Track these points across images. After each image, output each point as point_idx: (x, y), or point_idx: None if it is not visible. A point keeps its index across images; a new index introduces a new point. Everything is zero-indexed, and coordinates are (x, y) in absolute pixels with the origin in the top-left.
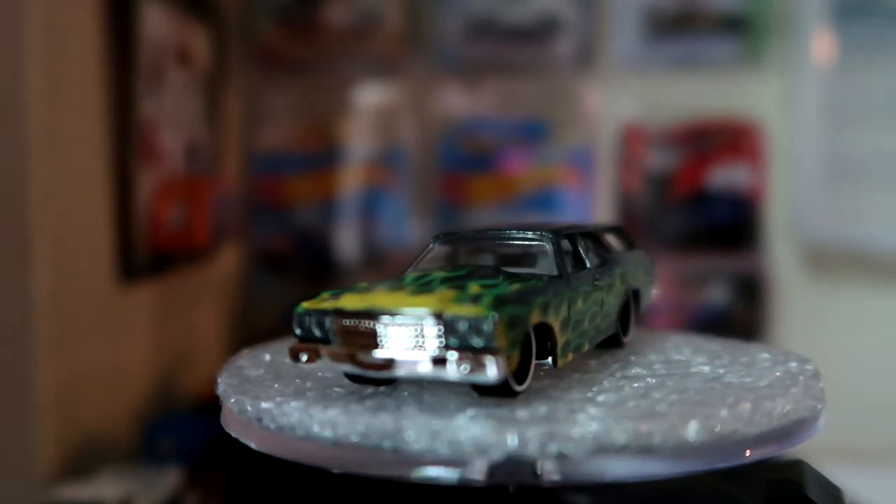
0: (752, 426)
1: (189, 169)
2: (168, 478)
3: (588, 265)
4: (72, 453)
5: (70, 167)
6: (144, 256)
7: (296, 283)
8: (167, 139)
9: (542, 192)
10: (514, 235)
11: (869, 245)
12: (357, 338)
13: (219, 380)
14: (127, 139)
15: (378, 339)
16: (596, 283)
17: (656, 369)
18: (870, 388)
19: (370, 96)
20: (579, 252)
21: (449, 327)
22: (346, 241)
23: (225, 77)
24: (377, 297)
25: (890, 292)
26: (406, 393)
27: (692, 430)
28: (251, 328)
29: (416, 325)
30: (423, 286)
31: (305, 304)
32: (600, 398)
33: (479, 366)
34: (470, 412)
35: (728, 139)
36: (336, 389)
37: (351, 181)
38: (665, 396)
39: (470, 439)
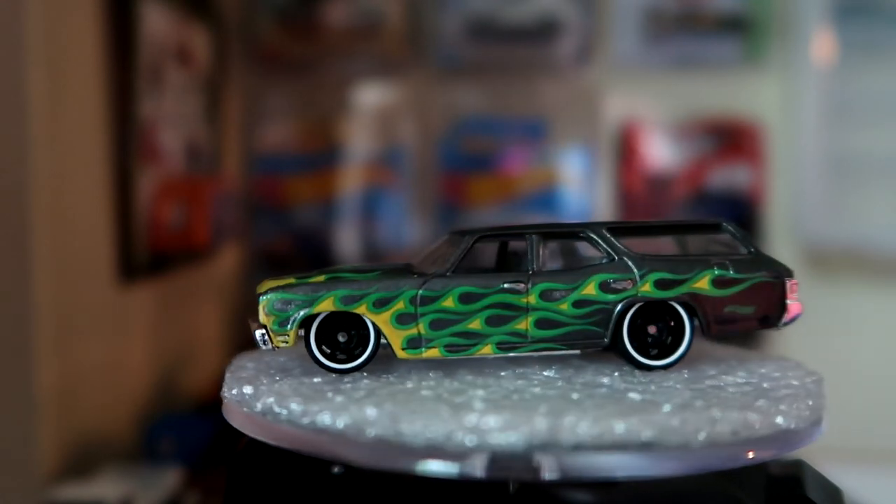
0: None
1: (189, 169)
2: (168, 478)
3: (533, 267)
4: (72, 453)
5: (70, 167)
6: (144, 256)
7: None
8: (167, 139)
9: (542, 192)
10: (455, 235)
11: (869, 245)
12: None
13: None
14: (127, 139)
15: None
16: (506, 285)
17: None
18: (870, 388)
19: (370, 96)
20: (535, 252)
21: None
22: (346, 241)
23: (225, 77)
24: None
25: (890, 292)
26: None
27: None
28: (251, 328)
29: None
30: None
31: None
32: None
33: (253, 337)
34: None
35: (728, 139)
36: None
37: (351, 181)
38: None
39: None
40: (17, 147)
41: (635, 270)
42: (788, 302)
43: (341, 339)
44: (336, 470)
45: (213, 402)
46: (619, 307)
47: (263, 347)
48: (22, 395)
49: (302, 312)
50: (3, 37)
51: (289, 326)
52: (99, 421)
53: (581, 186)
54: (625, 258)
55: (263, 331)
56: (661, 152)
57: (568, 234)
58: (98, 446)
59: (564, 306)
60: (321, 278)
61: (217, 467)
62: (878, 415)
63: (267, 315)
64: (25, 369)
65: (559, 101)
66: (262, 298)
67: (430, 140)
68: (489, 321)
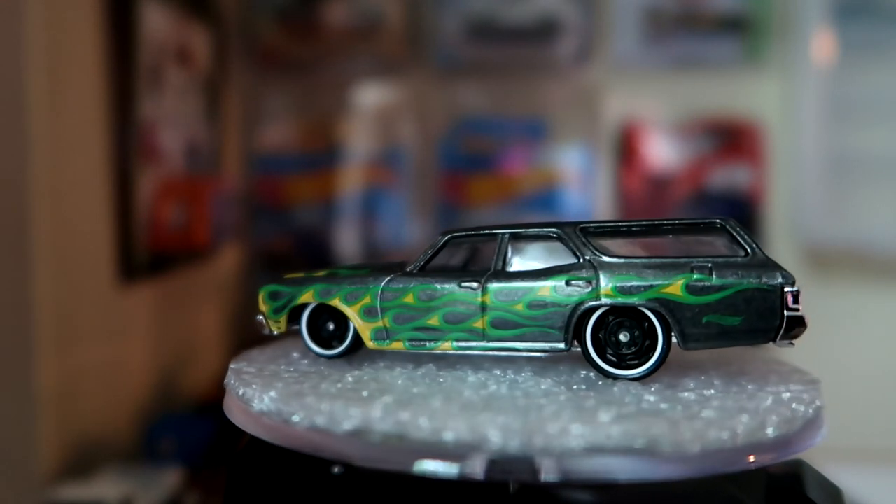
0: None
1: (189, 169)
2: (168, 478)
3: (498, 266)
4: (72, 453)
5: (70, 167)
6: (144, 256)
7: None
8: (167, 139)
9: (542, 192)
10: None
11: (869, 245)
12: None
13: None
14: (127, 139)
15: None
16: (462, 284)
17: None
18: (870, 388)
19: (370, 96)
20: (501, 252)
21: None
22: (347, 241)
23: (225, 77)
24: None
25: (890, 292)
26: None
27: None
28: (251, 328)
29: None
30: None
31: None
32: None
33: (256, 321)
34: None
35: (728, 139)
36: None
37: (351, 181)
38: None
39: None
40: (17, 147)
41: (596, 273)
42: (787, 314)
43: (331, 327)
44: (336, 470)
45: (213, 402)
46: (578, 311)
47: (264, 332)
48: (22, 395)
49: (289, 302)
50: (3, 37)
51: (280, 314)
52: (99, 421)
53: (581, 186)
54: (588, 259)
55: (262, 317)
56: (661, 152)
57: (539, 234)
58: (98, 446)
59: (520, 307)
60: (322, 273)
61: (217, 467)
62: (878, 415)
63: (264, 303)
64: (25, 369)
65: (559, 101)
66: (261, 289)
67: (430, 140)
68: (447, 318)
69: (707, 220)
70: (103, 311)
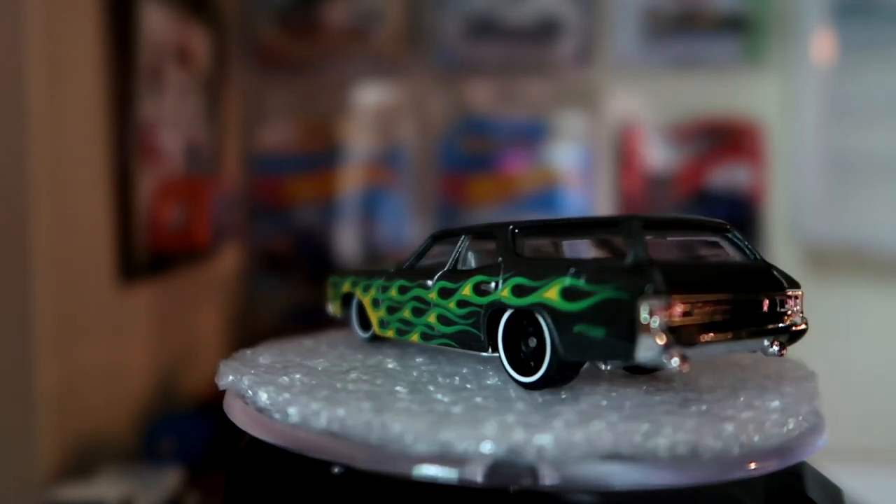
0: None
1: (189, 169)
2: (168, 478)
3: (453, 265)
4: (72, 453)
5: (70, 167)
6: (144, 256)
7: (296, 283)
8: (167, 139)
9: (541, 192)
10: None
11: (869, 244)
12: None
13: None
14: (127, 139)
15: None
16: (419, 282)
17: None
18: (870, 389)
19: (370, 96)
20: (459, 252)
21: None
22: (346, 241)
23: (225, 77)
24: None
25: (889, 292)
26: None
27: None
28: (251, 328)
29: None
30: None
31: None
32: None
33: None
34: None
35: (728, 139)
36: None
37: (351, 181)
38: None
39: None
40: (17, 147)
41: (501, 274)
42: (640, 335)
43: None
44: (336, 470)
45: (213, 402)
46: (488, 311)
47: (329, 314)
48: (22, 395)
49: (338, 291)
50: (3, 37)
51: (335, 300)
52: (99, 421)
53: (581, 186)
54: (502, 259)
55: (331, 304)
56: (660, 152)
57: (486, 234)
58: (98, 446)
59: (452, 305)
60: (374, 269)
61: (217, 467)
62: (878, 415)
63: (328, 290)
64: (26, 369)
65: (559, 101)
66: (329, 278)
67: (430, 140)
68: (414, 312)
69: (611, 219)
70: (103, 311)
